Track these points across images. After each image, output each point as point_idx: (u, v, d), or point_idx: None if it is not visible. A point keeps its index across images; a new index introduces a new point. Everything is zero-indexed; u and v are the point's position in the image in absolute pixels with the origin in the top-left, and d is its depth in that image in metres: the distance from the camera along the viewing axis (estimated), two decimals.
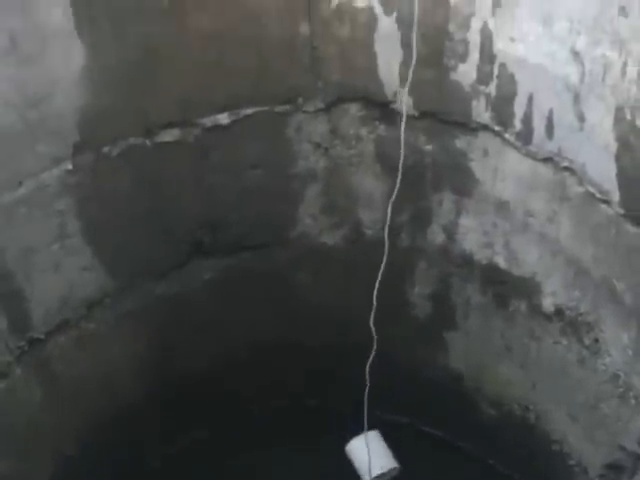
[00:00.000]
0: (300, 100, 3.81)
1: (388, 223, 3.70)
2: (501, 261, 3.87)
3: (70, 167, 3.43)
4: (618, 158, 2.99)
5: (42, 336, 3.69)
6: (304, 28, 3.59)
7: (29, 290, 3.53)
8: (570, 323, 3.63)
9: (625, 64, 2.78)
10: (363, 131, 3.88)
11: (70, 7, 3.12)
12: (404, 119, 3.52)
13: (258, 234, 4.20)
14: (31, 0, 3.02)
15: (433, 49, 3.43)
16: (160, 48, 3.43)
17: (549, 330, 3.78)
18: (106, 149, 3.53)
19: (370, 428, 4.17)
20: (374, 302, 3.66)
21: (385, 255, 3.65)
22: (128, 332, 4.09)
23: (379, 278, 3.63)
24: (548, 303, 3.72)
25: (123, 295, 3.97)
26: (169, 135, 3.70)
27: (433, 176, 3.86)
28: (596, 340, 3.51)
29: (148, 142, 3.65)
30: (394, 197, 3.63)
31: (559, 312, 3.67)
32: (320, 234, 4.27)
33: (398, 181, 3.57)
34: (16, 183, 3.30)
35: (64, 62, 3.24)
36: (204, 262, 4.20)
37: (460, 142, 3.66)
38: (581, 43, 2.92)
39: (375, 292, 3.64)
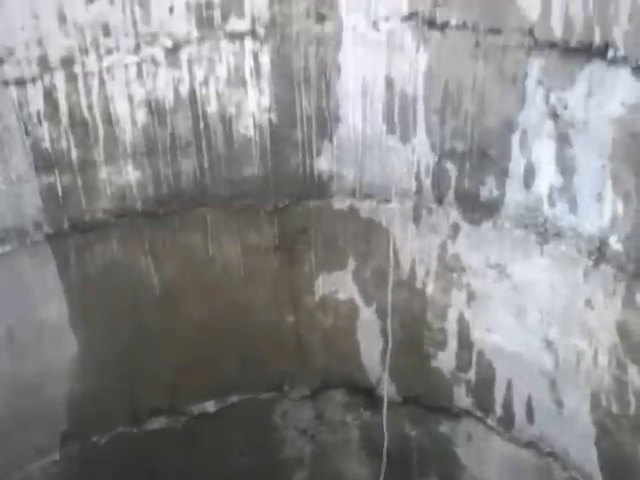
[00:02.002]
0: (286, 387, 3.92)
1: None
2: None
3: (57, 457, 3.44)
4: (598, 442, 3.07)
5: None
6: (290, 318, 3.78)
7: None
8: None
9: (596, 353, 2.95)
10: (348, 417, 3.96)
11: (65, 304, 3.31)
12: (385, 405, 3.63)
13: None
14: (28, 296, 3.21)
15: (413, 337, 3.61)
16: (150, 336, 3.58)
17: None
18: (94, 438, 3.56)
19: None
20: None
21: None
22: None
23: None
24: None
25: None
26: (157, 423, 3.75)
27: (419, 461, 3.89)
28: None
29: (136, 430, 3.69)
30: None
31: None
32: None
33: (383, 469, 3.60)
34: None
35: (57, 353, 3.37)
36: None
37: (444, 427, 3.74)
38: (553, 333, 3.11)
39: None
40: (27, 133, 3.02)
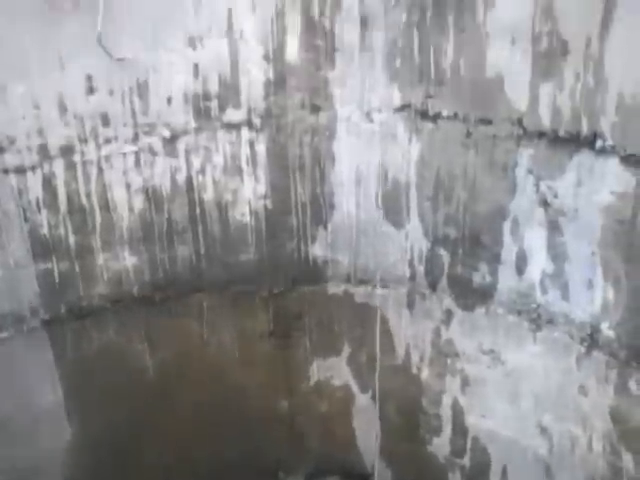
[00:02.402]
0: (281, 474, 3.89)
1: None
2: None
3: None
4: None
5: None
6: (284, 403, 3.78)
7: None
8: None
9: (590, 439, 2.95)
10: None
11: (60, 390, 3.30)
12: None
13: None
14: (24, 383, 3.20)
15: (408, 423, 3.60)
16: (144, 422, 3.55)
17: None
18: None
19: None
20: None
21: None
22: None
23: None
24: None
25: None
26: None
27: None
28: None
29: None
30: None
31: None
32: None
33: None
34: None
35: (52, 440, 3.35)
36: None
37: None
38: (547, 419, 3.10)
39: None
40: (26, 220, 3.06)
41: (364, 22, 3.00)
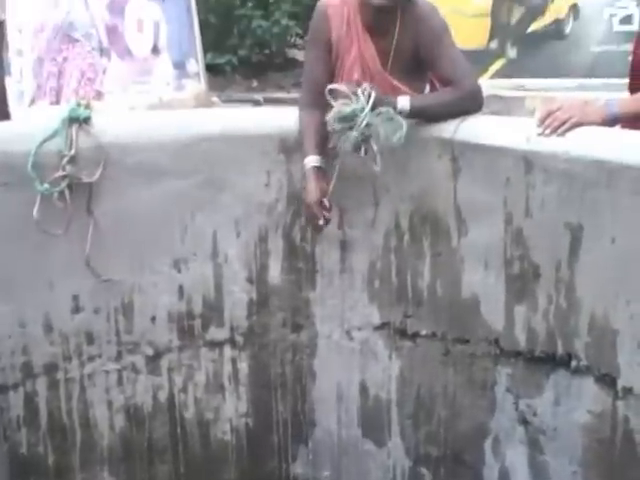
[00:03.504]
0: None
1: None
2: None
3: None
4: None
5: None
6: None
7: None
8: None
9: None
10: None
11: None
12: None
13: None
14: None
15: None
16: None
17: None
18: None
19: None
20: None
21: None
22: None
23: None
24: None
25: None
26: None
27: None
28: None
29: None
30: None
31: None
32: None
33: None
34: None
35: None
36: None
37: None
38: None
39: None
40: (5, 438, 3.03)
41: (343, 246, 3.15)
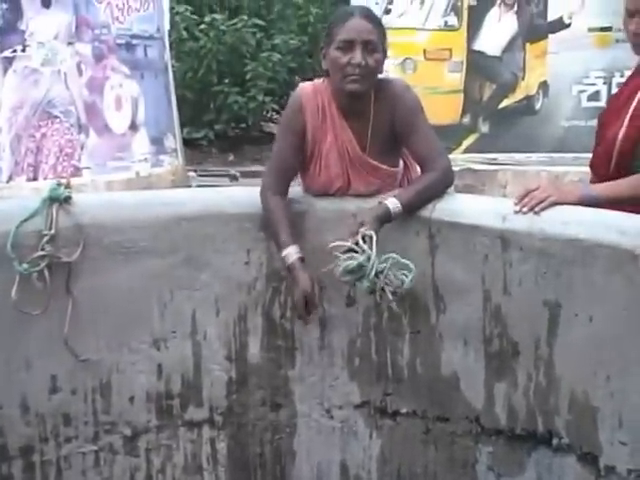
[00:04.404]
0: None
1: None
2: None
3: None
4: None
5: None
6: None
7: None
8: None
9: None
10: None
11: None
12: None
13: None
14: None
15: None
16: None
17: None
18: None
19: None
20: None
21: None
22: None
23: None
24: None
25: None
26: None
27: None
28: None
29: None
30: None
31: None
32: None
33: None
34: None
35: None
36: None
37: None
38: None
39: None
40: None
41: (323, 323, 3.15)
